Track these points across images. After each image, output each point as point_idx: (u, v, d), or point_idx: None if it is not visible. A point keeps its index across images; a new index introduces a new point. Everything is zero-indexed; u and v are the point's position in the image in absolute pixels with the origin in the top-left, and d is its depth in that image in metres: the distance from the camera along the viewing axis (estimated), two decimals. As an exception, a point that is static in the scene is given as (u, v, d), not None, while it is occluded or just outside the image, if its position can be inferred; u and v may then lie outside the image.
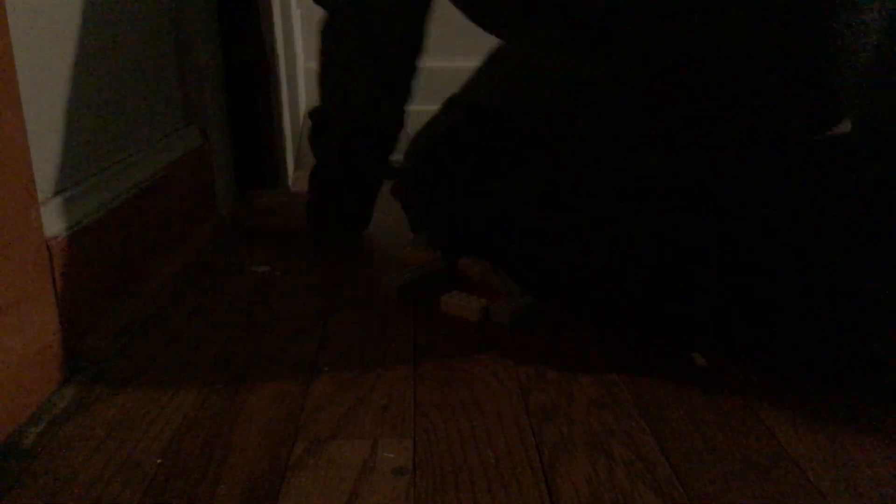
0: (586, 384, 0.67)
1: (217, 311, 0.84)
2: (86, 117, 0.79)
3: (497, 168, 0.86)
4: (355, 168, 1.00)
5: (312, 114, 1.02)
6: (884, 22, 0.66)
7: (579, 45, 0.75)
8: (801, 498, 0.52)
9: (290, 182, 1.35)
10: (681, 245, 0.74)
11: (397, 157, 1.01)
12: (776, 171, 0.70)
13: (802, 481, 0.54)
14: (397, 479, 0.55)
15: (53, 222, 0.69)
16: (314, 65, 1.16)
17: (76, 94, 0.77)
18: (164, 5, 1.02)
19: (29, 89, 0.68)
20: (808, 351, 0.70)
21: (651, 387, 0.67)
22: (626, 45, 0.72)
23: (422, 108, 1.02)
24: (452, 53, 1.47)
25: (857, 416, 0.62)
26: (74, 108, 0.76)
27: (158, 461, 0.57)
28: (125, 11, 0.89)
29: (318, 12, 0.94)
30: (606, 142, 0.76)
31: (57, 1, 0.74)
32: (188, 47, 1.07)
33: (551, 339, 0.76)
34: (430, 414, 0.63)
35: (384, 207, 1.10)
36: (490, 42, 0.93)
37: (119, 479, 0.55)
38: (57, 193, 0.72)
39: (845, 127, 0.68)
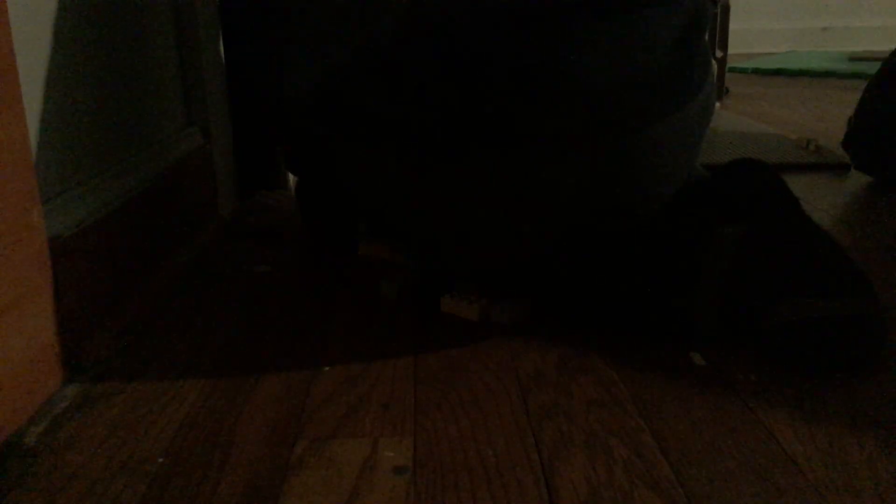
0: (585, 383, 0.67)
1: (218, 310, 0.84)
2: (87, 118, 0.79)
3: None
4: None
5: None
6: None
7: None
8: (799, 498, 0.52)
9: (291, 183, 1.35)
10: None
11: None
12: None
13: (801, 481, 0.54)
14: (398, 477, 0.55)
15: (55, 222, 0.69)
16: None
17: (78, 94, 0.77)
18: (166, 5, 1.02)
19: (31, 89, 0.68)
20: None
21: (650, 386, 0.67)
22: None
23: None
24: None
25: (857, 415, 0.62)
26: (76, 109, 0.77)
27: (160, 460, 0.57)
28: (127, 11, 0.89)
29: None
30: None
31: (58, 1, 0.74)
32: (190, 47, 1.07)
33: (551, 338, 0.76)
34: (431, 413, 0.63)
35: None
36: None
37: (121, 479, 0.55)
38: (59, 194, 0.73)
39: None
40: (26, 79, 0.67)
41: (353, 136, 0.76)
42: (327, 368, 0.71)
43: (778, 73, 2.85)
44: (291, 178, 1.32)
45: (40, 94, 0.70)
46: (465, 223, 0.75)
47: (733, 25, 2.10)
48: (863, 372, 0.69)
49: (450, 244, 0.79)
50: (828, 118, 1.54)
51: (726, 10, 2.05)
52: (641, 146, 0.71)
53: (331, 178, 0.94)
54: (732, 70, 2.80)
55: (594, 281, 0.80)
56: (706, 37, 0.78)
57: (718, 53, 2.04)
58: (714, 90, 0.81)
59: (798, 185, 1.30)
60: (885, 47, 1.38)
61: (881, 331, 0.71)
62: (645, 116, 0.71)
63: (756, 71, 2.90)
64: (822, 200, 1.22)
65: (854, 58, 3.07)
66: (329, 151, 0.82)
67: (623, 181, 0.72)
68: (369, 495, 0.53)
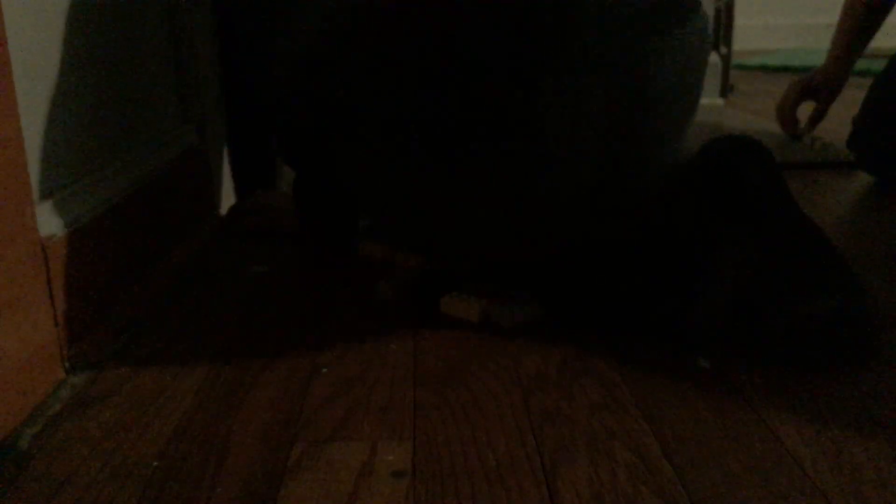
0: (587, 385, 0.66)
1: (214, 311, 0.83)
2: (81, 116, 0.78)
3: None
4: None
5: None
6: None
7: None
8: (804, 501, 0.52)
9: (288, 182, 1.35)
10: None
11: None
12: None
13: (806, 483, 0.53)
14: (396, 481, 0.54)
15: (49, 222, 0.69)
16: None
17: (72, 92, 0.76)
18: (161, 3, 1.02)
19: (25, 88, 0.68)
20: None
21: (653, 388, 0.66)
22: None
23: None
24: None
25: (862, 417, 0.61)
26: (70, 107, 0.76)
27: (155, 463, 0.57)
28: (121, 9, 0.89)
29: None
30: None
31: (53, 0, 0.74)
32: (185, 45, 1.06)
33: (552, 339, 0.75)
34: (430, 415, 0.62)
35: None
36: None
37: (115, 482, 0.55)
38: (52, 193, 0.72)
39: None
40: (20, 77, 0.66)
41: (353, 135, 0.76)
42: (325, 370, 0.70)
43: (784, 69, 2.83)
44: (289, 176, 1.32)
45: (34, 92, 0.70)
46: (464, 222, 0.74)
47: (738, 21, 2.09)
48: (859, 367, 0.68)
49: (450, 243, 0.78)
50: (834, 116, 1.52)
51: (731, 5, 2.03)
52: (647, 68, 0.70)
53: (330, 177, 0.93)
54: (738, 67, 2.79)
55: (595, 281, 0.79)
56: None
57: (723, 50, 2.02)
58: (710, 22, 0.80)
59: (803, 183, 1.29)
60: (893, 44, 1.36)
61: (864, 323, 0.72)
62: (646, 25, 0.70)
63: (762, 67, 2.89)
64: (827, 199, 1.21)
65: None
66: (328, 150, 0.81)
67: (635, 107, 0.71)
68: (368, 500, 0.52)
